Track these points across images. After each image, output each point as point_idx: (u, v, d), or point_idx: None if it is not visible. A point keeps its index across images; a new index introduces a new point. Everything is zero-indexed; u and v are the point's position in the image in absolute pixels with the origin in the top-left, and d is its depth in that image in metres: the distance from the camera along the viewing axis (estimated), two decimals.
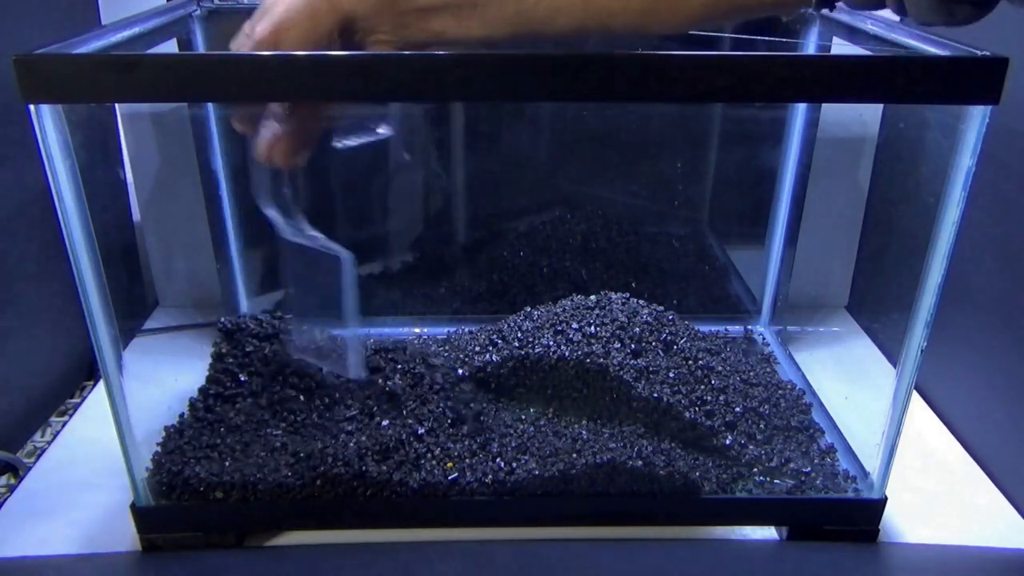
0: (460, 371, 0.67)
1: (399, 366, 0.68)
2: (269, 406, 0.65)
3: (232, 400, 0.65)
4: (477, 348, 0.70)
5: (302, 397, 0.66)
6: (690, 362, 0.67)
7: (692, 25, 0.47)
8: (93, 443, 0.69)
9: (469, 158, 0.82)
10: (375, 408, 0.64)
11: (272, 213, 0.54)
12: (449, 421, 0.63)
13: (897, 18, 0.52)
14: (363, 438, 0.61)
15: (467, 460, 0.60)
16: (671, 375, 0.66)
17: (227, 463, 0.59)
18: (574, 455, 0.60)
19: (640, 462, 0.60)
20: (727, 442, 0.62)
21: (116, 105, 0.79)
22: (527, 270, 0.83)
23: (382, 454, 0.60)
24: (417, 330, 0.80)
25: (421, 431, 0.62)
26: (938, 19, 0.44)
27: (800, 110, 0.76)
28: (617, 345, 0.70)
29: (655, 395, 0.65)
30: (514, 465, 0.59)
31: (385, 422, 0.63)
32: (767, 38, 0.68)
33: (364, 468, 0.59)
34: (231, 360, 0.71)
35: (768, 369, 0.75)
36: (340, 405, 0.65)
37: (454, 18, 0.45)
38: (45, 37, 0.45)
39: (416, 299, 0.83)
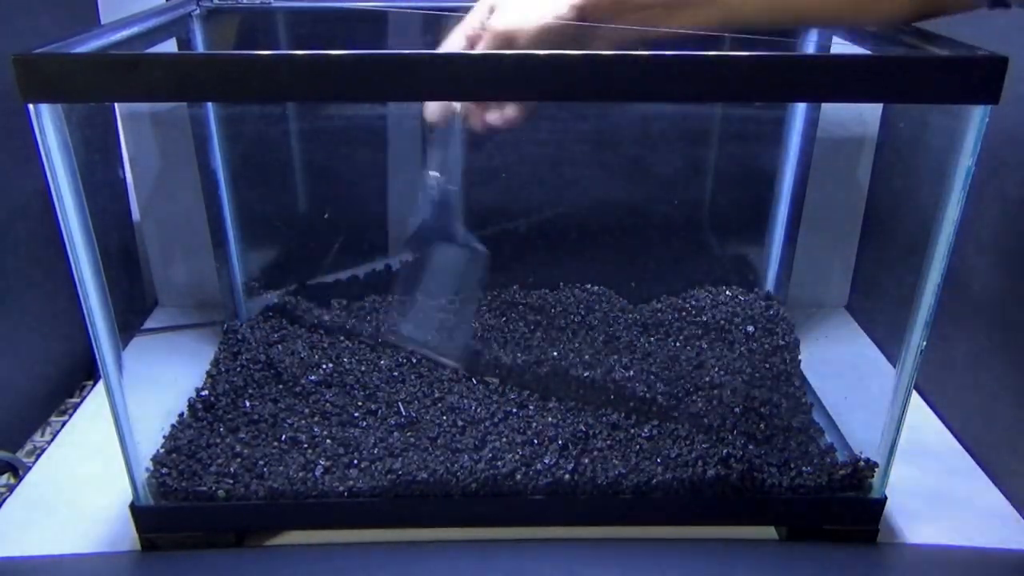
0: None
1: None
2: (270, 403, 0.65)
3: (232, 400, 0.65)
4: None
5: (303, 399, 0.66)
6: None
7: (895, 20, 0.52)
8: (93, 443, 0.69)
9: (467, 157, 0.82)
10: (376, 408, 0.65)
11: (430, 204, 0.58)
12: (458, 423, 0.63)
13: None
14: (369, 438, 0.61)
15: (467, 460, 0.60)
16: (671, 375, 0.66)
17: (226, 463, 0.59)
18: (574, 454, 0.60)
19: (641, 462, 0.60)
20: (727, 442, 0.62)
21: (116, 105, 0.79)
22: (526, 270, 0.83)
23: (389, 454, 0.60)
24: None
25: (433, 434, 0.62)
26: None
27: (800, 110, 0.76)
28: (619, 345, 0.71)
29: (656, 395, 0.65)
30: (512, 465, 0.59)
31: (392, 420, 0.63)
32: (767, 38, 0.68)
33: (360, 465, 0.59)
34: (232, 361, 0.71)
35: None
36: (346, 406, 0.65)
37: (667, 13, 0.50)
38: (45, 37, 0.45)
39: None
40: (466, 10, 0.69)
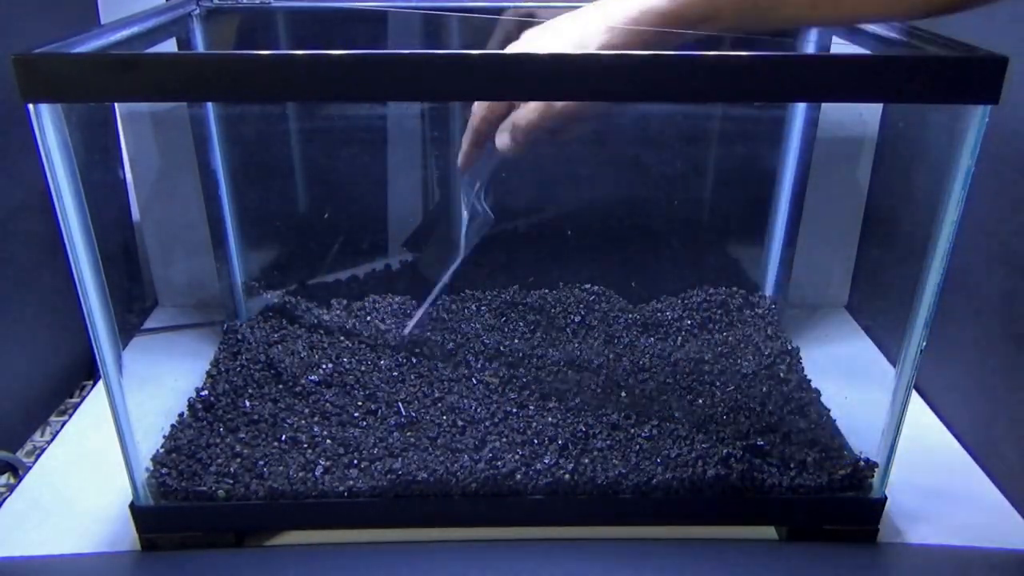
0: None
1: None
2: (270, 404, 0.65)
3: (232, 400, 0.65)
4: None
5: (303, 399, 0.66)
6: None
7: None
8: (93, 443, 0.69)
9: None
10: (377, 409, 0.65)
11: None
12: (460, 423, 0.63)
13: None
14: (368, 438, 0.61)
15: (467, 460, 0.60)
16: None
17: (226, 463, 0.59)
18: (574, 454, 0.60)
19: (641, 462, 0.60)
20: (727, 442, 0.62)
21: (116, 105, 0.79)
22: (526, 270, 0.83)
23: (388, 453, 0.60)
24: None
25: (433, 434, 0.63)
26: None
27: (800, 110, 0.76)
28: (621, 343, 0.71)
29: (656, 395, 0.65)
30: (512, 465, 0.59)
31: (392, 420, 0.63)
32: (767, 38, 0.68)
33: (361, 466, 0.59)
34: (232, 361, 0.71)
35: None
36: (345, 406, 0.65)
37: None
38: (45, 37, 0.45)
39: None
40: (464, 10, 0.70)
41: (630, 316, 0.78)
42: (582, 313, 0.77)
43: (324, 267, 0.84)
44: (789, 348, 0.74)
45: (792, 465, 0.60)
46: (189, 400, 0.66)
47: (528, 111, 0.53)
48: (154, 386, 0.71)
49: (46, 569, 0.57)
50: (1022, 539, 0.61)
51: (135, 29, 0.54)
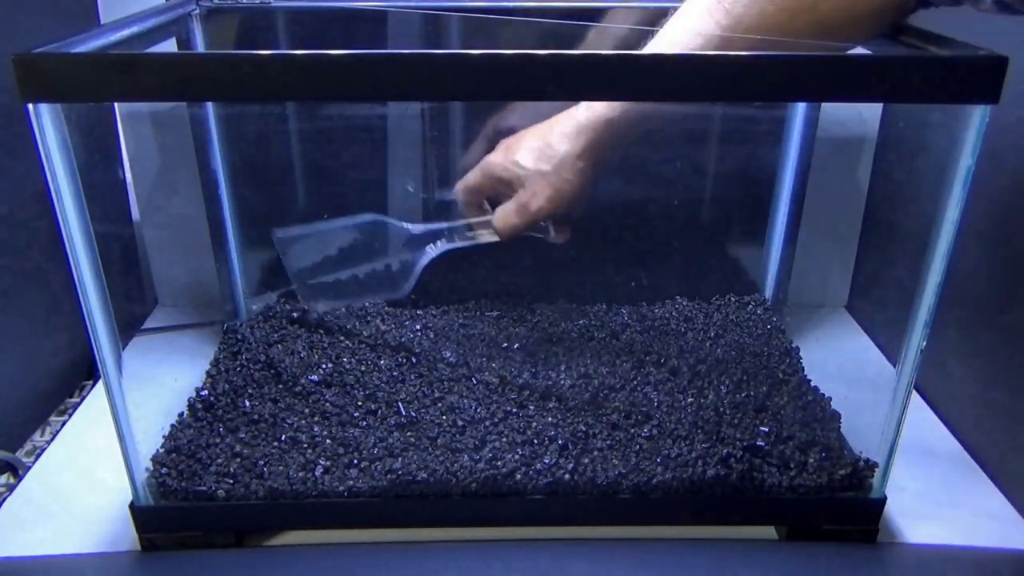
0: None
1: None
2: (270, 404, 0.65)
3: (232, 400, 0.65)
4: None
5: (303, 399, 0.66)
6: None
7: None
8: (93, 443, 0.69)
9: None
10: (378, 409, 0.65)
11: None
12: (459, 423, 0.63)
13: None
14: (369, 438, 0.61)
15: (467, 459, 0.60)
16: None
17: (226, 463, 0.59)
18: (574, 454, 0.60)
19: (641, 462, 0.60)
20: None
21: (116, 105, 0.79)
22: (529, 271, 0.83)
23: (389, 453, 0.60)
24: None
25: (433, 434, 0.63)
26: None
27: (800, 110, 0.76)
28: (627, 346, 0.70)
29: (662, 397, 0.65)
30: (512, 465, 0.59)
31: (392, 420, 0.63)
32: (767, 37, 0.68)
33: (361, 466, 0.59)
34: (232, 361, 0.71)
35: None
36: (345, 406, 0.65)
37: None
38: (45, 37, 0.45)
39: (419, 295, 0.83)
40: (465, 10, 0.69)
41: (629, 316, 0.78)
42: (584, 318, 0.77)
43: (324, 267, 0.84)
44: (789, 348, 0.74)
45: (792, 465, 0.60)
46: (189, 400, 0.66)
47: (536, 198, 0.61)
48: (154, 386, 0.71)
49: (46, 569, 0.57)
50: (1022, 539, 0.61)
51: (135, 29, 0.54)
